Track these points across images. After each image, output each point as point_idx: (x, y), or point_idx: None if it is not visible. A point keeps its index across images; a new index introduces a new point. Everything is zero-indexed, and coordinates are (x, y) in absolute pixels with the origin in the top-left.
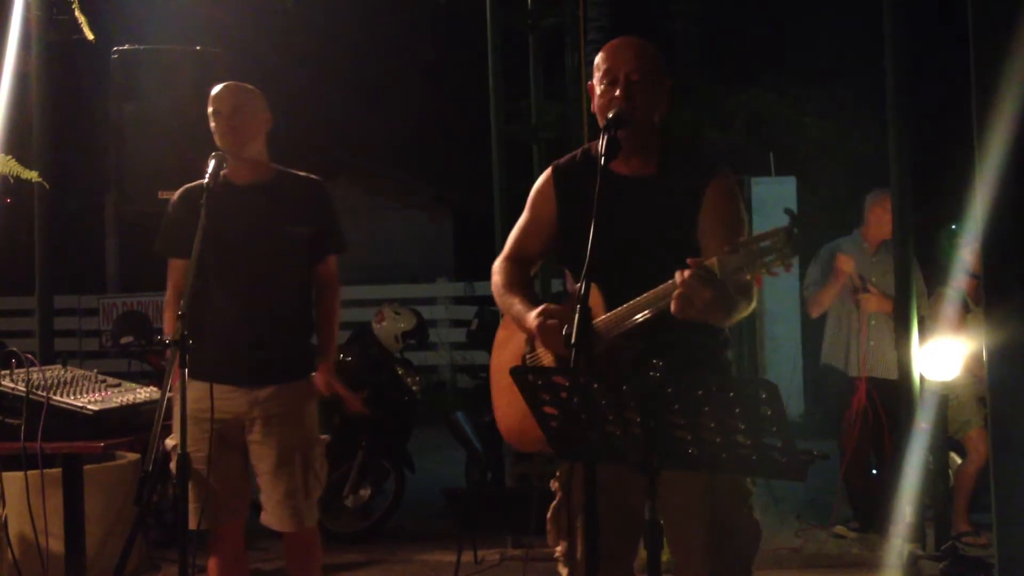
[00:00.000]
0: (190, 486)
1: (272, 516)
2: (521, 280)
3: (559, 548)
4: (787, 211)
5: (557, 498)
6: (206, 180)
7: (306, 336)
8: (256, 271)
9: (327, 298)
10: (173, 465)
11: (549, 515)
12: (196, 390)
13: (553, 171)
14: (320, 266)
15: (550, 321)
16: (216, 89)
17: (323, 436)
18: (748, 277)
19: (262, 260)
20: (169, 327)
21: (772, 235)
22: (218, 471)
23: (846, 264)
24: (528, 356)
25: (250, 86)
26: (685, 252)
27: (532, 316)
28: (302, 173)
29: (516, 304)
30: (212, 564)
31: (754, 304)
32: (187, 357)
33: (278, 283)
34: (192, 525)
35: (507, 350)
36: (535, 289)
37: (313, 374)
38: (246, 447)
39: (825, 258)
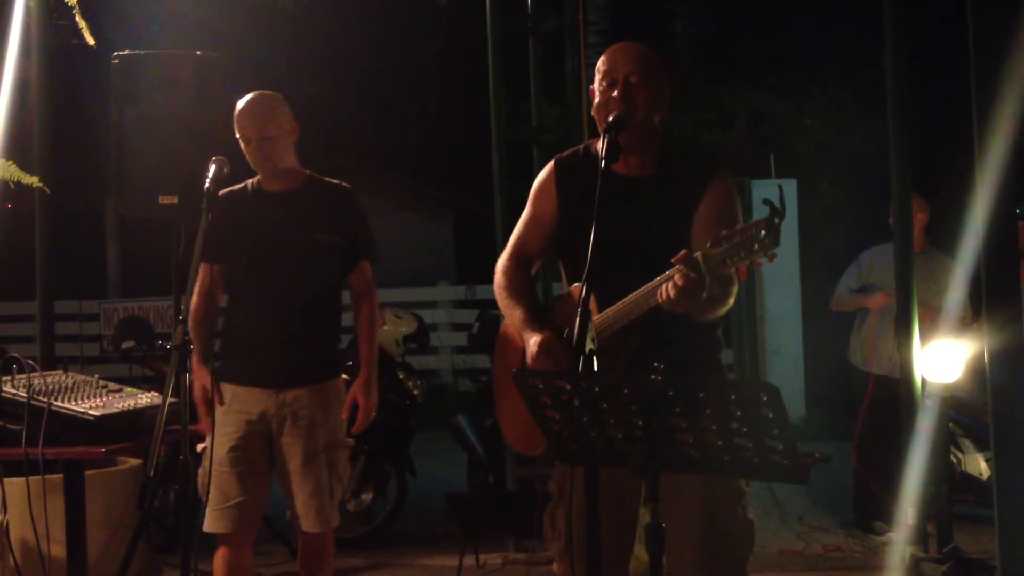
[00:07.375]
0: (212, 489)
1: (297, 516)
2: (523, 282)
3: (554, 548)
4: (766, 202)
5: (554, 499)
6: (207, 185)
7: (335, 339)
8: (286, 276)
9: (364, 308)
10: (202, 469)
11: (545, 516)
12: (227, 392)
13: (555, 164)
14: (354, 274)
15: (547, 360)
16: (241, 106)
17: (348, 440)
18: (731, 270)
19: (292, 265)
20: (194, 331)
21: (753, 227)
22: (243, 474)
23: (880, 302)
24: None
25: (272, 95)
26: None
27: (534, 342)
28: (334, 181)
29: (518, 313)
30: (220, 569)
31: (732, 301)
32: (188, 361)
33: (307, 288)
34: (207, 528)
35: (509, 355)
36: (537, 293)
37: (344, 377)
38: (271, 452)
39: (864, 264)
